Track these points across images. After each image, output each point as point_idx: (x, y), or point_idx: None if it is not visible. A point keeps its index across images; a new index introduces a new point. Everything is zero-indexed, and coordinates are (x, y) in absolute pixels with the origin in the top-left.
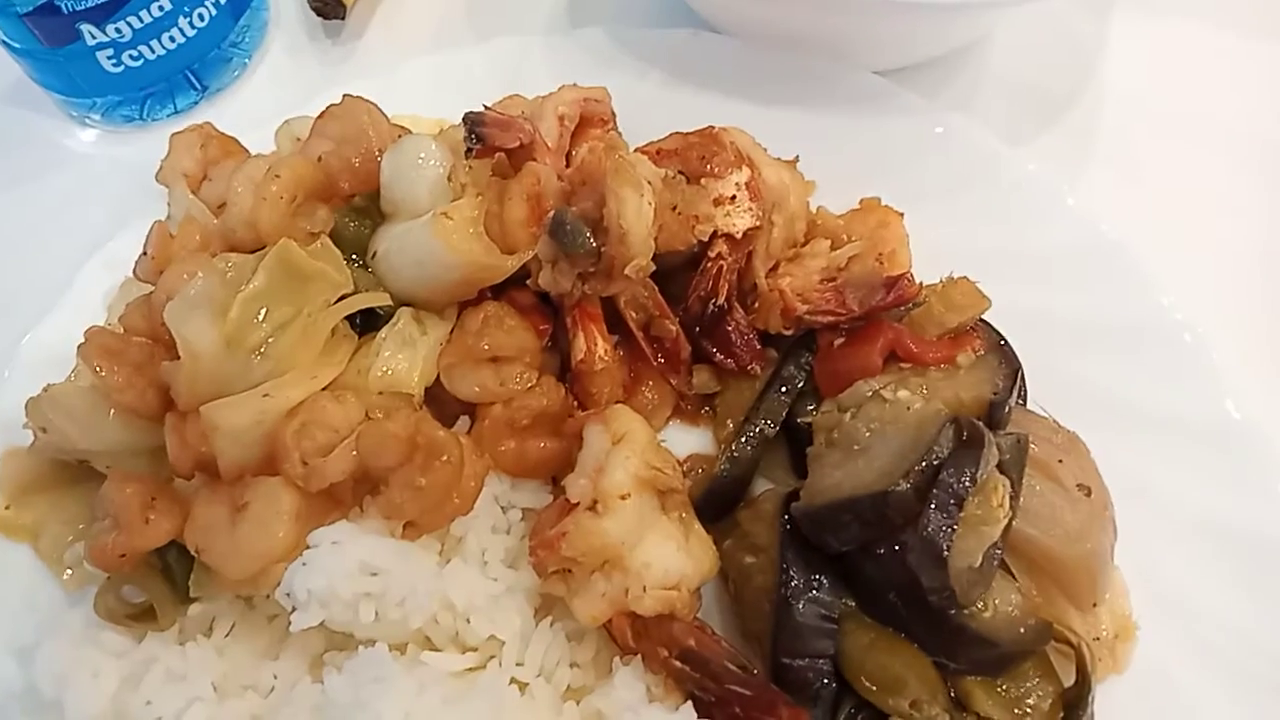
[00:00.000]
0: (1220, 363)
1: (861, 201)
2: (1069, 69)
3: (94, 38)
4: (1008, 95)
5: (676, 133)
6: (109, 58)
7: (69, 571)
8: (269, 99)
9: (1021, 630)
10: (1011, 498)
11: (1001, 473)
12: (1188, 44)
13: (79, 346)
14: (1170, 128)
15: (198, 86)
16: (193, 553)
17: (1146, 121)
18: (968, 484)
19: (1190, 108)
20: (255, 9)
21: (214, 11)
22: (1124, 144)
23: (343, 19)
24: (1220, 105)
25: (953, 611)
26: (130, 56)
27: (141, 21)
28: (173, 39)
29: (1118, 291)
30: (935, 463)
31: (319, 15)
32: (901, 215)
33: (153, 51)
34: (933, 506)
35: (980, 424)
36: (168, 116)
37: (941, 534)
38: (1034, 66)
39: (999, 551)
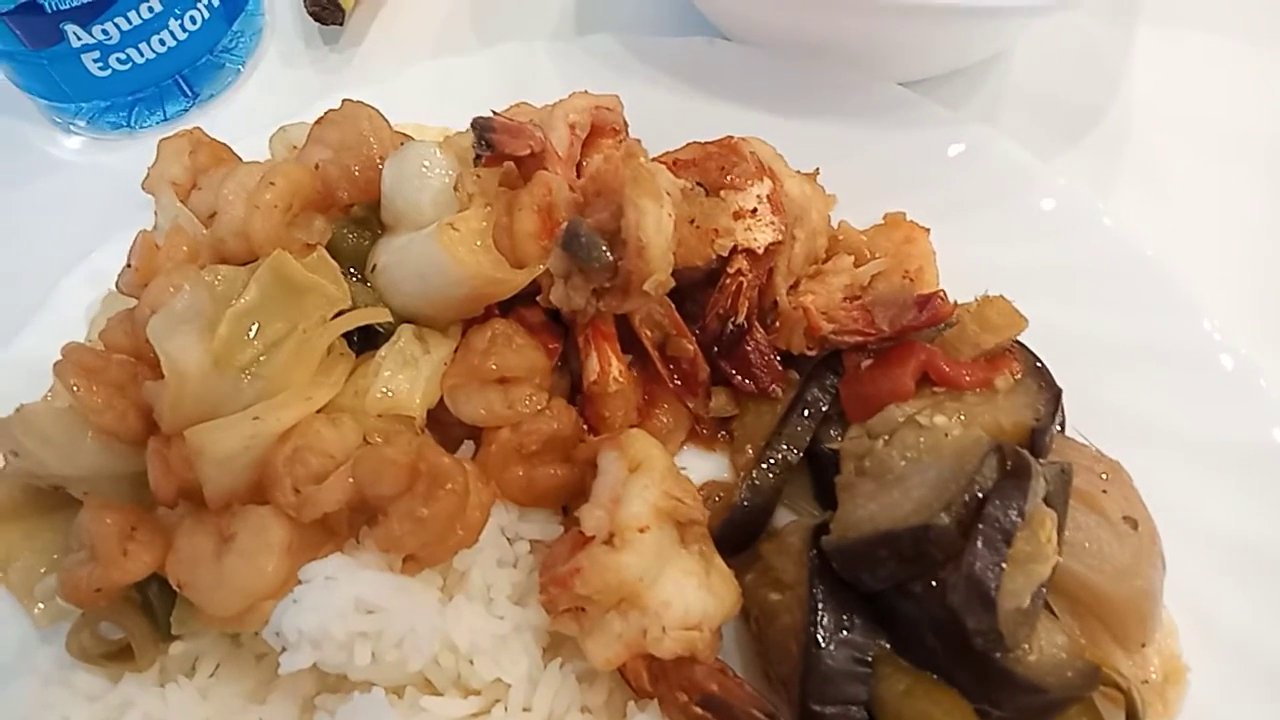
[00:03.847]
0: (1266, 387)
1: (885, 216)
2: (1094, 81)
3: (79, 39)
4: (1031, 108)
5: (694, 142)
6: (95, 61)
7: (40, 606)
8: (263, 107)
9: (1069, 674)
10: (1057, 532)
11: (1046, 505)
12: (1214, 55)
13: (55, 364)
14: (1200, 142)
15: (189, 93)
16: (175, 587)
17: (1175, 135)
18: (1016, 518)
19: (1220, 120)
20: (250, 14)
21: (207, 15)
22: (1152, 158)
23: (341, 25)
24: (1252, 118)
25: (997, 655)
26: (117, 60)
27: (130, 23)
28: (163, 42)
29: (1158, 313)
30: (979, 495)
31: (316, 21)
32: (928, 231)
33: (141, 55)
34: (979, 543)
35: (1026, 453)
36: (157, 124)
37: (990, 573)
38: (1058, 79)
39: (1045, 590)
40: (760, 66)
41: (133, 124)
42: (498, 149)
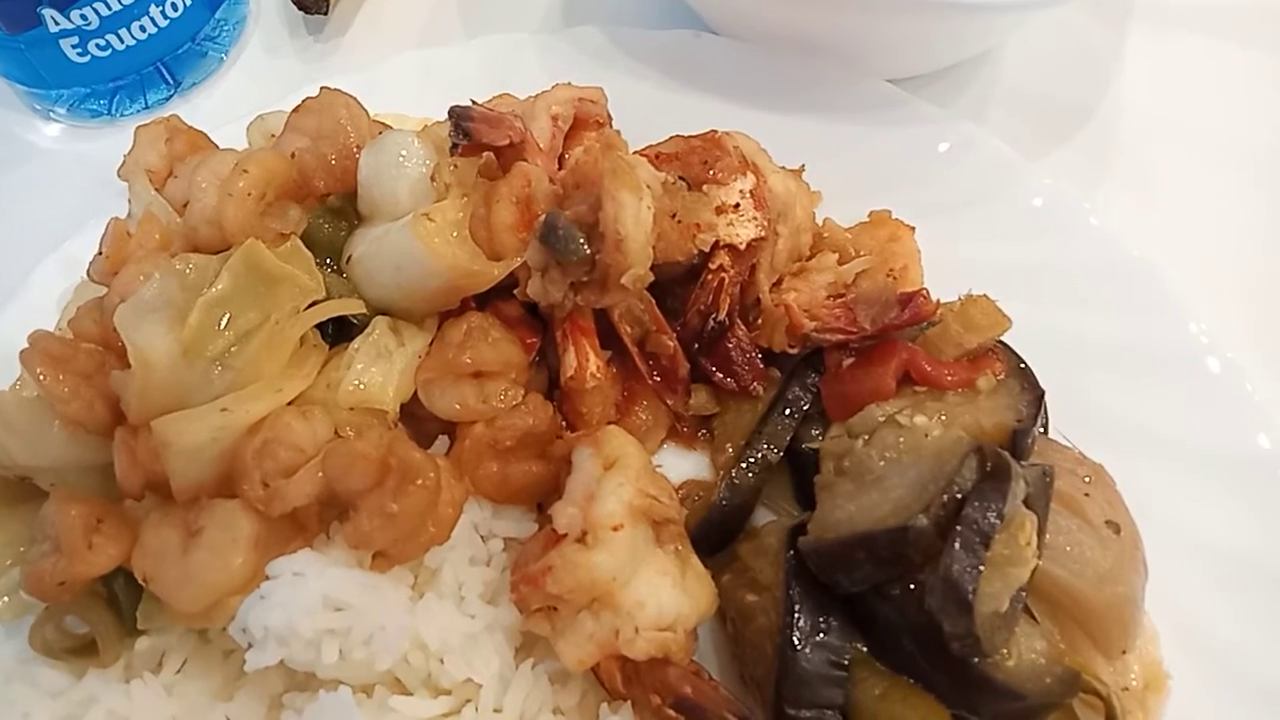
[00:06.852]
0: (1252, 392)
1: (870, 214)
2: (1083, 80)
3: (57, 24)
4: (1020, 106)
5: (677, 136)
6: (74, 46)
7: (3, 599)
8: (246, 96)
9: (1048, 680)
10: (1037, 535)
11: (1026, 508)
12: (1204, 56)
13: (21, 352)
14: (1189, 142)
15: (170, 81)
16: (141, 581)
17: (1164, 136)
18: (994, 520)
19: (1210, 121)
20: (233, 2)
21: (189, 2)
22: (1140, 159)
23: (325, 14)
24: (1242, 119)
25: (975, 660)
26: (97, 46)
27: (109, 8)
28: (143, 29)
29: (1143, 315)
30: (958, 496)
31: (301, 10)
32: (913, 229)
33: (121, 41)
34: (957, 545)
35: (1006, 454)
36: (138, 112)
37: (966, 576)
38: (1047, 77)
39: (1024, 594)
40: (746, 61)
41: (114, 112)
42: (475, 138)
